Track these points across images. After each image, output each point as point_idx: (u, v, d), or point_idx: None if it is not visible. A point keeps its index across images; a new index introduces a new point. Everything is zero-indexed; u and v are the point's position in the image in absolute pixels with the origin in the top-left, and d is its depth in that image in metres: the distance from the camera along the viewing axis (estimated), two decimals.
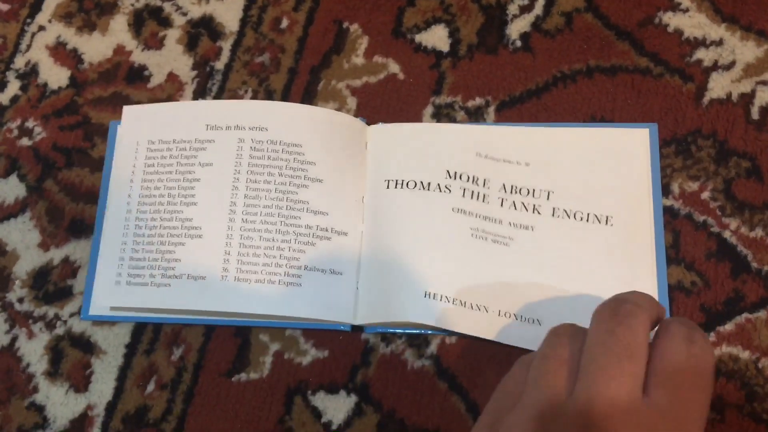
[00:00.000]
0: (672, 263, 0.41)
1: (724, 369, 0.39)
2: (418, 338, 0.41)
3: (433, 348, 0.41)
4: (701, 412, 0.28)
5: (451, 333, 0.40)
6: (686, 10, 0.45)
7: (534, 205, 0.42)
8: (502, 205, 0.42)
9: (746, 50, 0.44)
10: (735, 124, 0.43)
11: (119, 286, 0.42)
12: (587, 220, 0.41)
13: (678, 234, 0.41)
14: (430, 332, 0.41)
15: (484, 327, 0.39)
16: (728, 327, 0.40)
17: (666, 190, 0.42)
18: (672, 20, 0.45)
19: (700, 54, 0.44)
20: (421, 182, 0.42)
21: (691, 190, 0.42)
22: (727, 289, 0.40)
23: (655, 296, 0.39)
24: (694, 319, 0.40)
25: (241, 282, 0.40)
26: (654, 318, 0.31)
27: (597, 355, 0.28)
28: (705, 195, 0.42)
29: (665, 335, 0.29)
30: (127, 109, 0.45)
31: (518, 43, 0.46)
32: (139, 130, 0.44)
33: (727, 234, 0.41)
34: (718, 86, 0.44)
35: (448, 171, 0.42)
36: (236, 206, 0.41)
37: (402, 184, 0.42)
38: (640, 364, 0.28)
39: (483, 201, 0.42)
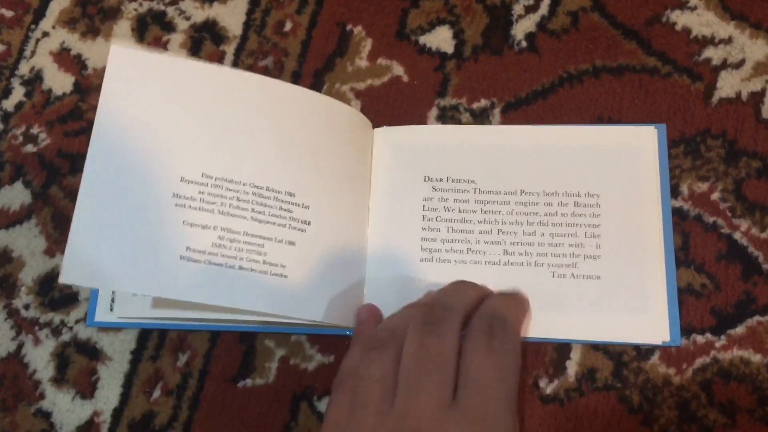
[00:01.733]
0: (682, 265, 0.40)
1: (735, 373, 0.38)
2: None
3: None
4: (508, 407, 0.30)
5: None
6: (694, 8, 0.45)
7: (537, 204, 0.41)
8: (509, 207, 0.41)
9: (756, 48, 0.43)
10: (745, 124, 0.42)
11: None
12: (595, 225, 0.41)
13: (688, 236, 0.41)
14: None
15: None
16: (739, 330, 0.39)
17: (675, 191, 0.41)
18: (680, 19, 0.45)
19: (709, 52, 0.44)
20: (431, 184, 0.42)
21: (701, 190, 0.41)
22: (738, 292, 0.40)
23: (665, 299, 0.39)
24: (705, 323, 0.39)
25: (244, 275, 0.38)
26: (471, 308, 0.33)
27: (409, 373, 0.31)
28: (715, 196, 0.41)
29: (467, 339, 0.32)
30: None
31: (524, 44, 0.45)
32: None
33: (737, 235, 0.40)
34: (728, 85, 0.43)
35: (452, 173, 0.42)
36: (245, 210, 0.40)
37: (408, 187, 0.42)
38: (448, 371, 0.31)
39: (492, 204, 0.42)
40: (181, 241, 0.37)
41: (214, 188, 0.38)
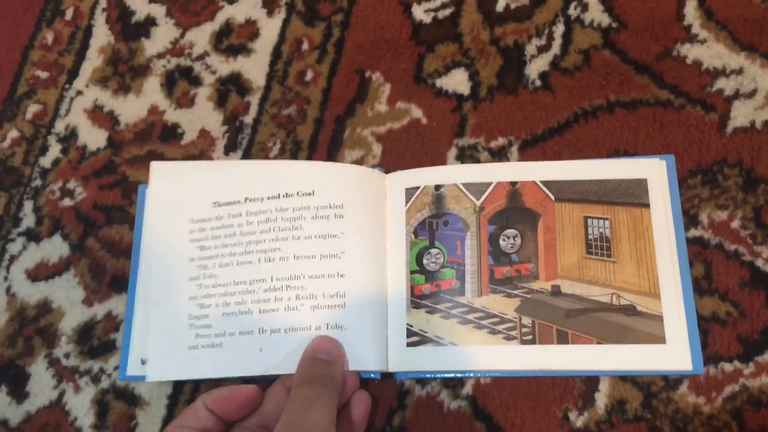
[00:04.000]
0: (705, 294, 0.41)
1: (765, 400, 0.38)
2: (452, 379, 0.41)
3: (468, 388, 0.41)
4: None
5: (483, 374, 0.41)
6: (704, 41, 0.46)
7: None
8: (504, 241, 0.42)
9: (767, 77, 0.44)
10: (761, 152, 0.43)
11: (171, 356, 0.42)
12: (609, 256, 0.41)
13: (710, 264, 0.41)
14: (460, 375, 0.41)
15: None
16: (767, 356, 0.39)
17: (695, 221, 0.42)
18: (690, 52, 0.46)
19: (721, 83, 0.44)
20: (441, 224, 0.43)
21: (720, 219, 0.42)
22: (764, 318, 0.40)
23: (684, 328, 0.39)
24: (732, 351, 0.39)
25: (275, 339, 0.41)
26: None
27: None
28: (735, 224, 0.42)
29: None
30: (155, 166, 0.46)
31: (538, 83, 0.47)
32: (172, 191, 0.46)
33: (759, 262, 0.41)
34: (741, 114, 0.44)
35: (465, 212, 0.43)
36: (267, 271, 0.43)
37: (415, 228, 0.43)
38: None
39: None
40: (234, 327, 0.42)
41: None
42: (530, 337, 0.40)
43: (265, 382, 0.41)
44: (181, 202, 0.45)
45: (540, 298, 0.41)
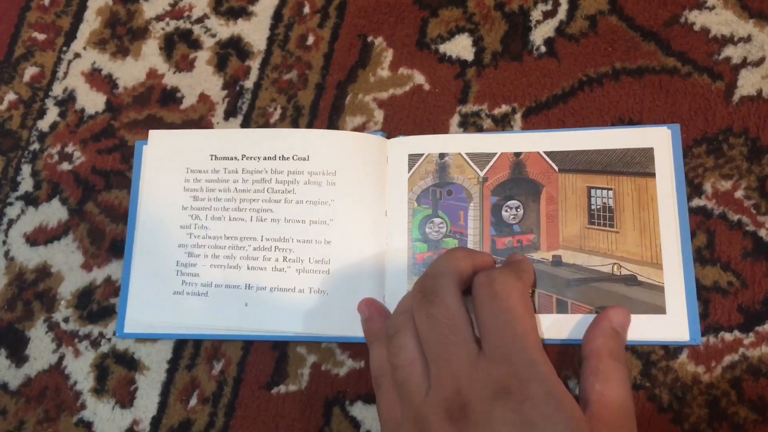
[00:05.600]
0: (707, 264, 0.40)
1: (764, 369, 0.38)
2: None
3: None
4: (526, 342, 0.32)
5: None
6: (712, 8, 0.45)
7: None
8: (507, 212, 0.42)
9: None
10: (767, 121, 0.42)
11: (155, 302, 0.43)
12: (612, 227, 0.41)
13: (713, 234, 0.41)
14: None
15: None
16: (767, 327, 0.39)
17: (699, 190, 0.42)
18: (698, 18, 0.45)
19: (729, 51, 0.44)
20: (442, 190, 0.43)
21: (724, 189, 0.42)
22: (765, 288, 0.40)
23: (683, 299, 0.39)
24: (732, 321, 0.39)
25: (273, 298, 0.42)
26: (464, 270, 0.35)
27: (430, 345, 0.32)
28: (739, 193, 0.41)
29: (474, 296, 0.34)
30: (153, 134, 0.47)
31: (543, 49, 0.46)
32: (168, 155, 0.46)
33: (762, 233, 0.41)
34: (748, 83, 0.43)
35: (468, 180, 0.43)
36: (270, 231, 0.43)
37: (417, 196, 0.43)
38: (463, 328, 0.32)
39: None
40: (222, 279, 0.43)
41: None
42: None
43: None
44: (178, 153, 0.45)
45: (541, 268, 0.41)
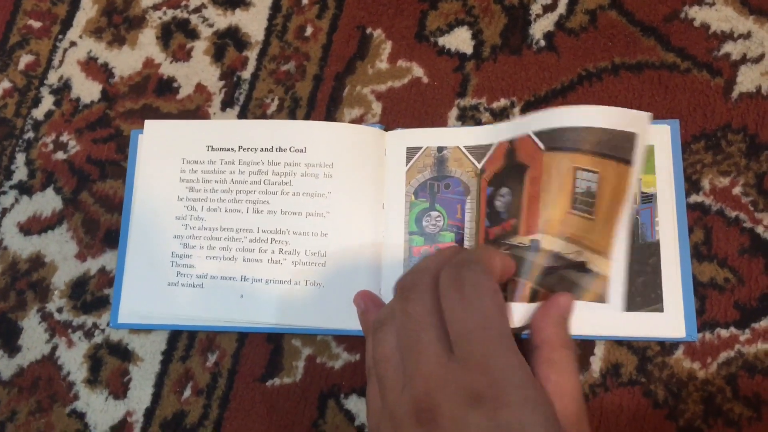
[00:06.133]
0: (704, 260, 0.40)
1: (760, 366, 0.38)
2: None
3: None
4: (501, 345, 0.30)
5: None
6: (712, 4, 0.45)
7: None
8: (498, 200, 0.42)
9: None
10: (766, 118, 0.42)
11: (149, 293, 0.43)
12: (590, 213, 0.40)
13: (710, 230, 0.41)
14: None
15: None
16: (763, 323, 0.39)
17: (696, 186, 0.42)
18: (698, 14, 0.45)
19: (728, 47, 0.44)
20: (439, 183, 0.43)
21: (722, 185, 0.41)
22: (762, 285, 0.40)
23: (680, 295, 0.39)
24: (729, 317, 0.39)
25: (265, 290, 0.42)
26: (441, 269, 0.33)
27: (402, 342, 0.31)
28: (736, 190, 0.41)
29: (441, 296, 0.32)
30: (149, 124, 0.46)
31: (542, 43, 0.46)
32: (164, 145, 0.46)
33: (760, 229, 0.41)
34: (748, 80, 0.43)
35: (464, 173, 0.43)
36: (266, 222, 0.43)
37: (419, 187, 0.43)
38: (434, 328, 0.31)
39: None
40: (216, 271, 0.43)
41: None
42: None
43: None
44: (174, 143, 0.45)
45: (518, 253, 0.40)
